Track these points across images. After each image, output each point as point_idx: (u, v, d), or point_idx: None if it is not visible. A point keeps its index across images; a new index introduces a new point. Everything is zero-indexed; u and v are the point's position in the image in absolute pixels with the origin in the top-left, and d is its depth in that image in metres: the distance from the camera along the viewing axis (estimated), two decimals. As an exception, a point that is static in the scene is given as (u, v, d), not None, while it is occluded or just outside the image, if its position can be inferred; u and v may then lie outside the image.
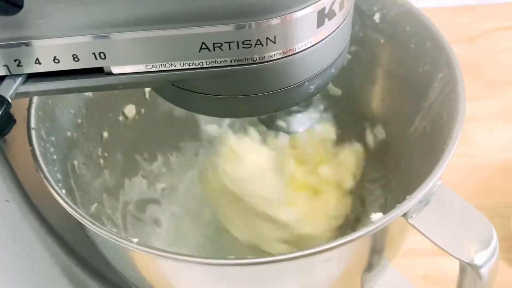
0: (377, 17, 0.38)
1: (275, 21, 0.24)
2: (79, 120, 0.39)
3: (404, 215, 0.28)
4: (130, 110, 0.44)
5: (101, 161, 0.42)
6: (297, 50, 0.25)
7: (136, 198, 0.45)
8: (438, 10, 0.42)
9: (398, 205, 0.28)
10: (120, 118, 0.44)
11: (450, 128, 0.31)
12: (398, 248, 0.36)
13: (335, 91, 0.44)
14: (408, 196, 0.28)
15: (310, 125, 0.38)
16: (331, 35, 0.26)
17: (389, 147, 0.42)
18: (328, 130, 0.41)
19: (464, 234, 0.29)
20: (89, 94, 0.40)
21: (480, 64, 0.62)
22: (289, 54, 0.25)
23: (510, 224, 0.48)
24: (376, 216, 0.28)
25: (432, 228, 0.29)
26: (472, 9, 0.67)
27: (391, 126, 0.41)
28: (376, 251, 0.32)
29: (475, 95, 0.57)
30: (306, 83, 0.27)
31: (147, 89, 0.44)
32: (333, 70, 0.28)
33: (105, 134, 0.42)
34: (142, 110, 0.45)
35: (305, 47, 0.25)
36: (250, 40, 0.24)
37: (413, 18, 0.36)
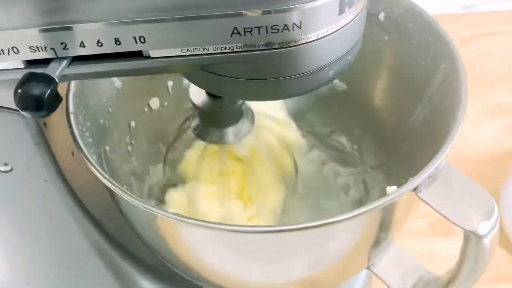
0: (382, 16, 0.38)
1: (301, 7, 0.23)
2: (110, 109, 0.38)
3: (414, 189, 0.28)
4: (154, 102, 0.44)
5: (129, 148, 0.42)
6: (320, 36, 0.25)
7: (159, 183, 0.44)
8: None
9: (410, 178, 0.27)
10: (146, 109, 0.43)
11: (453, 112, 0.31)
12: (402, 226, 0.35)
13: (341, 86, 0.44)
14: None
15: (240, 137, 0.37)
16: (350, 23, 0.25)
17: (391, 135, 0.41)
18: None
19: (469, 207, 0.29)
20: (118, 86, 0.39)
21: (467, 66, 0.61)
22: (312, 39, 0.25)
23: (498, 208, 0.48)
24: (390, 189, 0.27)
25: (439, 201, 0.28)
26: (460, 17, 0.68)
27: (393, 116, 0.41)
28: (385, 226, 0.32)
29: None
30: (326, 68, 0.26)
31: (170, 84, 0.44)
32: (349, 57, 0.27)
33: (133, 123, 0.42)
34: (166, 103, 0.44)
35: (327, 33, 0.25)
36: (278, 25, 0.24)
37: (416, 16, 0.36)
